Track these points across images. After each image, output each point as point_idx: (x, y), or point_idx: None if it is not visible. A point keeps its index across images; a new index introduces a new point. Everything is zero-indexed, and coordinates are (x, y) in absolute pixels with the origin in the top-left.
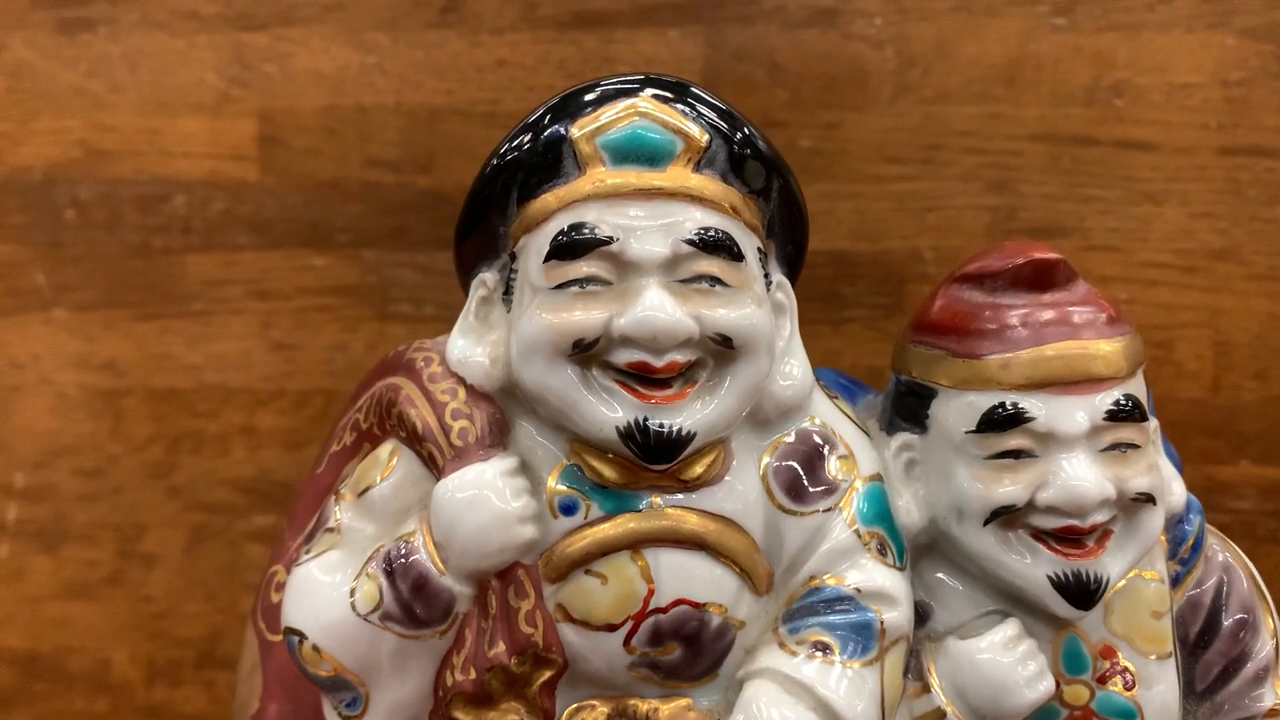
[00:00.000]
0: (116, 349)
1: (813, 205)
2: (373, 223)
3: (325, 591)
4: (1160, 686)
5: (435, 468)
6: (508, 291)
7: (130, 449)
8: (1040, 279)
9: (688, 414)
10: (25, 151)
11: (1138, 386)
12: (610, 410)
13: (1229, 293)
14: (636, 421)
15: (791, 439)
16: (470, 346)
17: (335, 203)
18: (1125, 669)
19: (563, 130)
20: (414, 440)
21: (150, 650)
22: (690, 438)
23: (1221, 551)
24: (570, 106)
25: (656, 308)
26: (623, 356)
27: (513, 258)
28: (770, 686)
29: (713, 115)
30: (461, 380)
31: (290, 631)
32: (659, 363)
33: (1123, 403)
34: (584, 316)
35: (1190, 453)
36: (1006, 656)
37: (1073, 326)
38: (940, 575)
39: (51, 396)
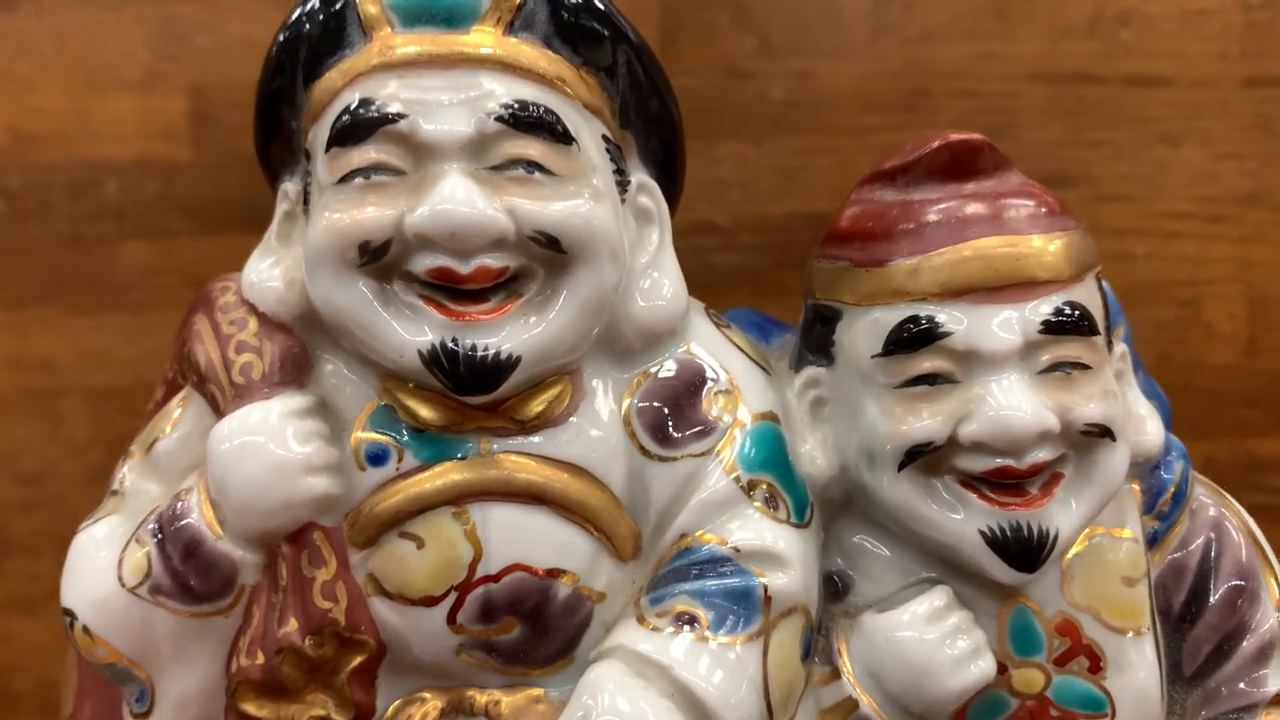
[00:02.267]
0: (52, 347)
1: (788, 161)
2: None
3: (96, 563)
4: (1135, 669)
5: (218, 411)
6: (306, 201)
7: (70, 453)
8: (960, 166)
9: (509, 333)
10: None
11: (1087, 295)
12: (413, 331)
13: (1262, 242)
14: (443, 343)
15: (660, 371)
16: (267, 270)
17: None
18: (1089, 648)
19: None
20: (201, 381)
21: None
22: (512, 363)
23: (1212, 504)
24: None
25: (454, 199)
26: (423, 263)
27: (307, 157)
28: (618, 669)
29: None
30: (254, 309)
31: (65, 612)
32: (465, 269)
33: (1065, 311)
34: (373, 213)
35: (1226, 426)
36: (931, 632)
37: (1000, 221)
38: (860, 538)
39: None
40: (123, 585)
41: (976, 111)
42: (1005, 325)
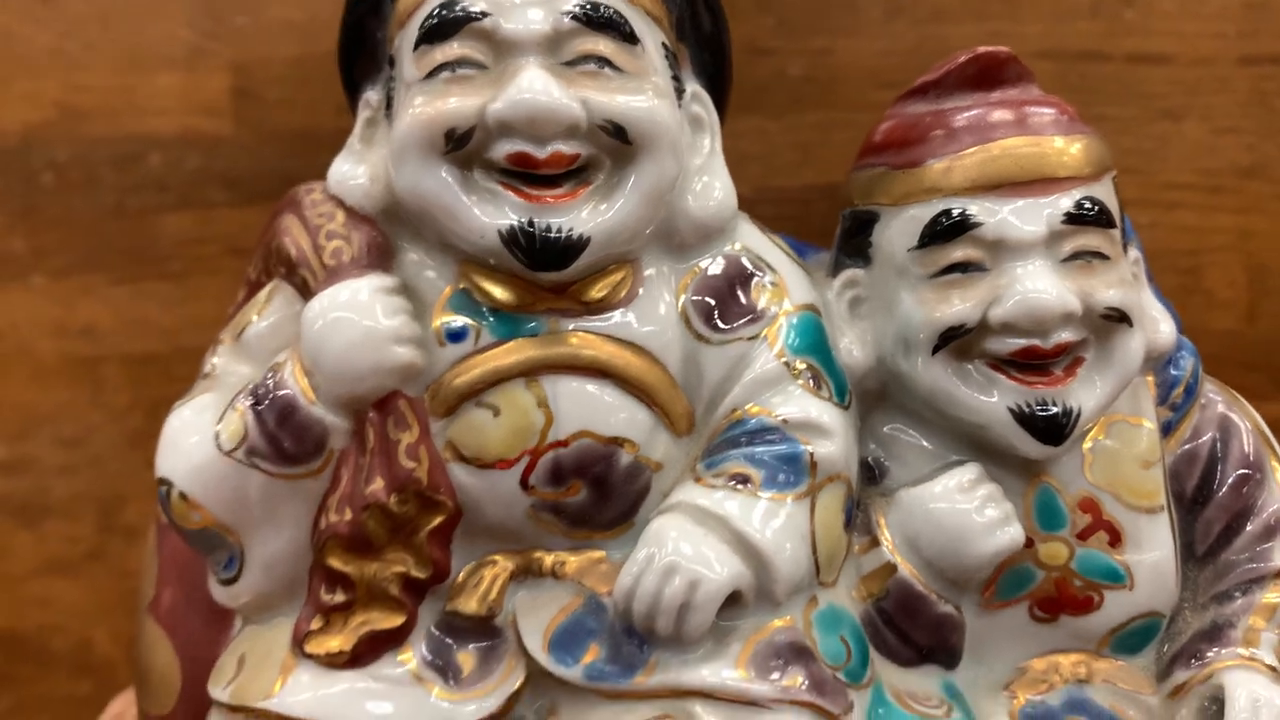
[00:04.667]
0: (93, 314)
1: (806, 136)
2: None
3: (193, 433)
4: (1152, 545)
5: (309, 294)
6: (390, 106)
7: (110, 417)
8: (987, 76)
9: (580, 216)
10: (1, 116)
11: (1105, 192)
12: (493, 214)
13: (1260, 213)
14: (521, 224)
15: (712, 264)
16: (351, 169)
17: (310, 154)
18: (1109, 524)
19: None
20: (290, 271)
21: (131, 628)
22: (583, 242)
23: (1221, 401)
24: None
25: (535, 89)
26: (502, 149)
27: (391, 64)
28: (681, 519)
29: None
30: (340, 203)
31: (160, 482)
32: (541, 154)
33: (1085, 205)
34: (457, 104)
35: None
36: (963, 501)
37: (1025, 124)
38: (893, 427)
39: (30, 365)
40: (220, 450)
41: None
42: (1031, 216)
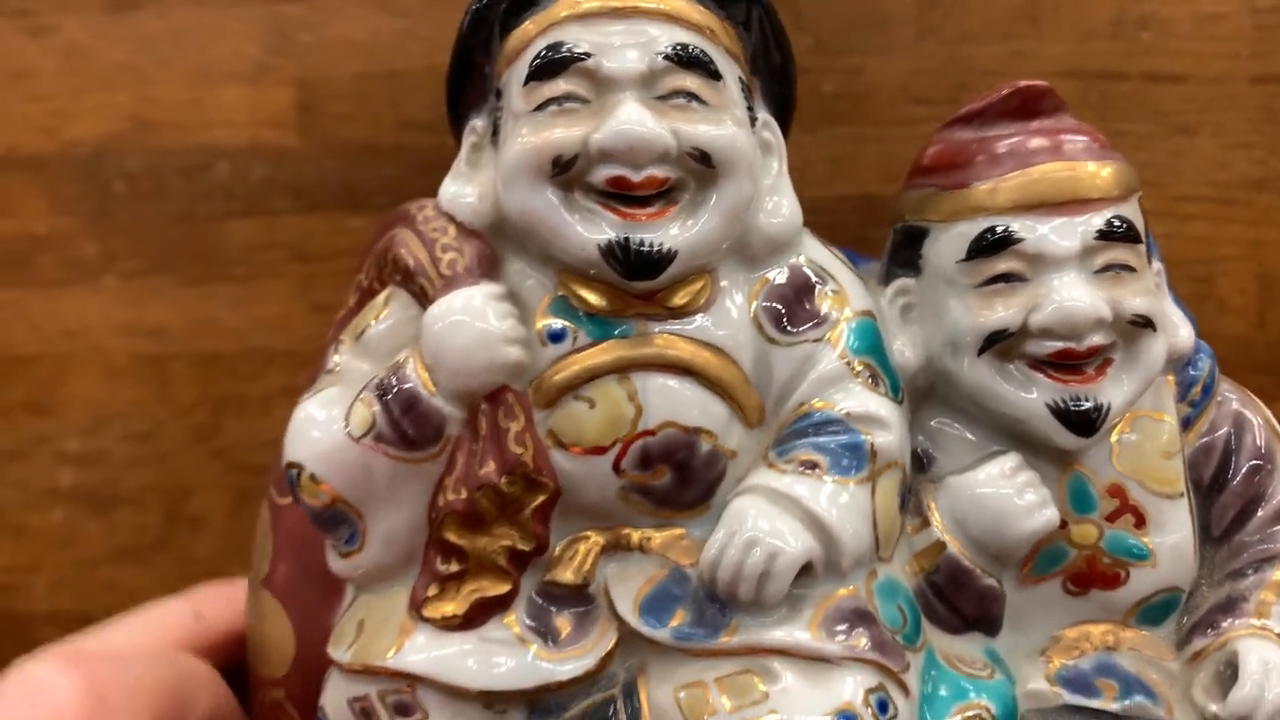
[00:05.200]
0: (163, 315)
1: (838, 150)
2: (407, 184)
3: (322, 423)
4: (1173, 528)
5: (426, 300)
6: (495, 133)
7: (176, 413)
8: (1027, 108)
9: (670, 232)
10: (77, 127)
11: (1132, 211)
12: (592, 229)
13: (1270, 224)
14: (618, 239)
15: (780, 275)
16: (460, 188)
17: (370, 165)
18: (1135, 508)
19: None
20: (407, 279)
21: None
22: (672, 255)
23: (1235, 399)
24: None
25: (633, 120)
26: (602, 174)
27: (498, 95)
28: (757, 499)
29: None
30: (452, 219)
31: (290, 466)
32: (637, 177)
33: (1115, 223)
34: (563, 134)
35: None
36: (1006, 485)
37: (1060, 151)
38: (939, 421)
39: (102, 364)
40: (349, 437)
41: None
42: (1067, 233)
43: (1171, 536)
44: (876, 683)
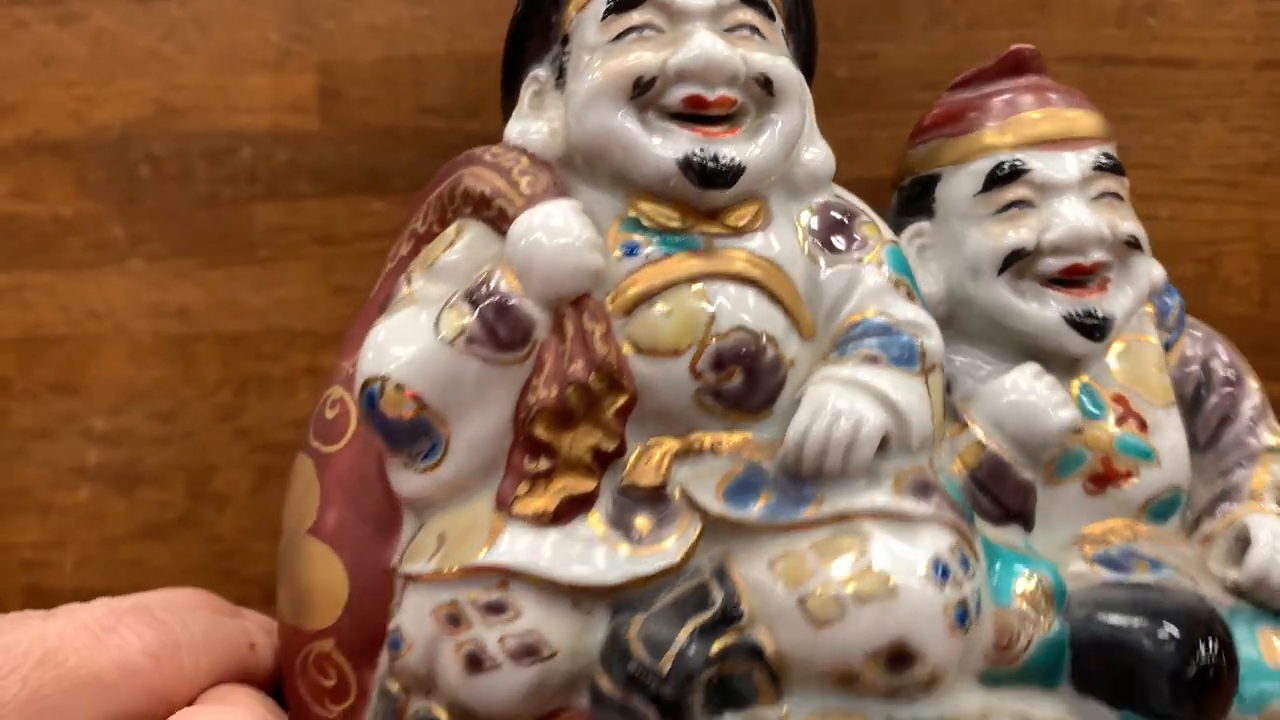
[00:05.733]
0: (188, 296)
1: (851, 134)
2: (427, 167)
3: (407, 331)
4: (1169, 431)
5: (505, 220)
6: (560, 77)
7: (201, 392)
8: (1018, 67)
9: (738, 149)
10: (104, 112)
11: (1113, 150)
12: (669, 146)
13: (1274, 206)
14: (693, 152)
15: (822, 206)
16: (528, 125)
17: (391, 150)
18: (1137, 415)
19: None
20: (482, 205)
21: (220, 589)
22: (741, 169)
23: (1202, 332)
24: None
25: (708, 44)
26: (678, 93)
27: (565, 41)
28: (832, 384)
29: None
30: (523, 151)
31: (370, 382)
32: (712, 96)
33: (1106, 156)
34: (643, 56)
35: None
36: (1033, 387)
37: (1051, 99)
38: (957, 347)
39: (128, 344)
40: (442, 341)
41: None
42: (1069, 165)
43: (1169, 439)
44: (956, 541)
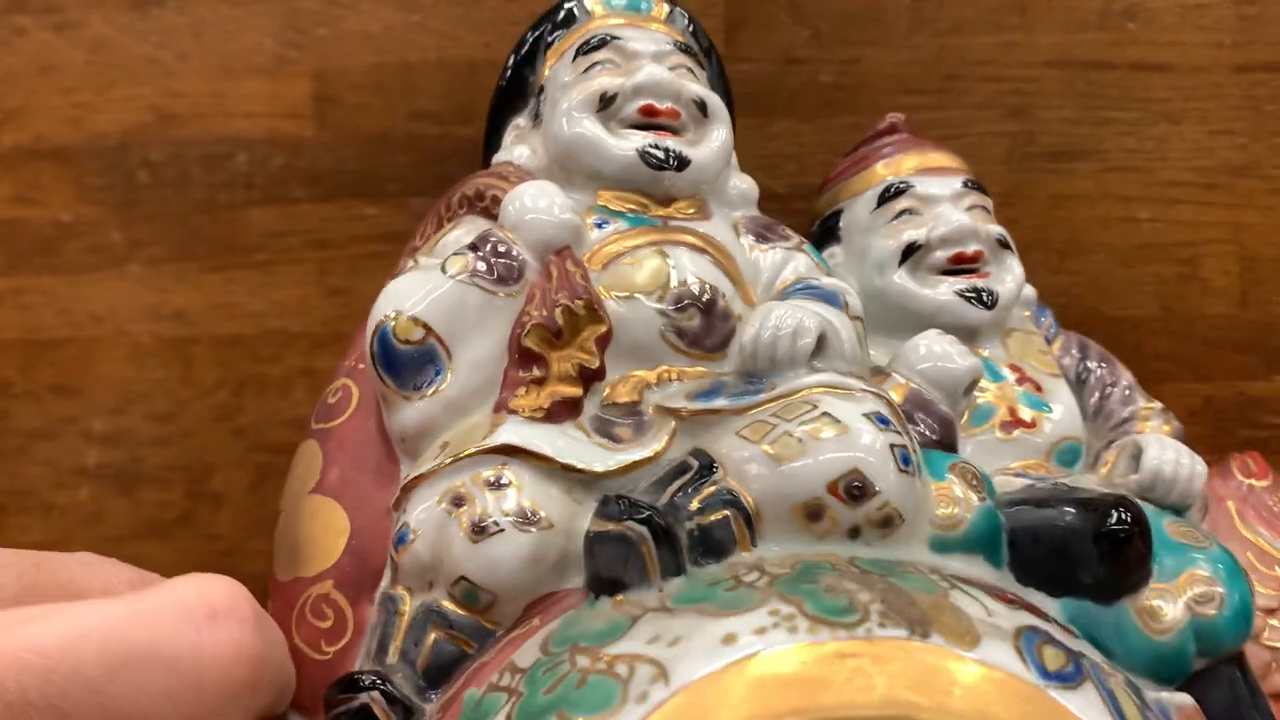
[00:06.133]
0: (185, 299)
1: (836, 138)
2: (420, 172)
3: (415, 280)
4: (1061, 394)
5: (497, 205)
6: (536, 119)
7: (199, 393)
8: (894, 130)
9: (683, 147)
10: (102, 119)
11: (975, 179)
12: (629, 143)
13: (1252, 208)
14: (648, 146)
15: (750, 216)
16: (512, 151)
17: (384, 154)
18: (1031, 379)
19: (574, 3)
20: (475, 199)
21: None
22: (687, 160)
23: (1075, 336)
24: None
25: (659, 70)
26: (635, 105)
27: (540, 91)
28: (769, 305)
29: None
30: (509, 163)
31: (382, 322)
32: (662, 105)
33: (971, 180)
34: (607, 80)
35: (1222, 369)
36: (940, 339)
37: (922, 144)
38: (874, 341)
39: (127, 346)
40: (447, 275)
41: (1000, 94)
42: (944, 185)
43: (1062, 400)
44: (891, 410)
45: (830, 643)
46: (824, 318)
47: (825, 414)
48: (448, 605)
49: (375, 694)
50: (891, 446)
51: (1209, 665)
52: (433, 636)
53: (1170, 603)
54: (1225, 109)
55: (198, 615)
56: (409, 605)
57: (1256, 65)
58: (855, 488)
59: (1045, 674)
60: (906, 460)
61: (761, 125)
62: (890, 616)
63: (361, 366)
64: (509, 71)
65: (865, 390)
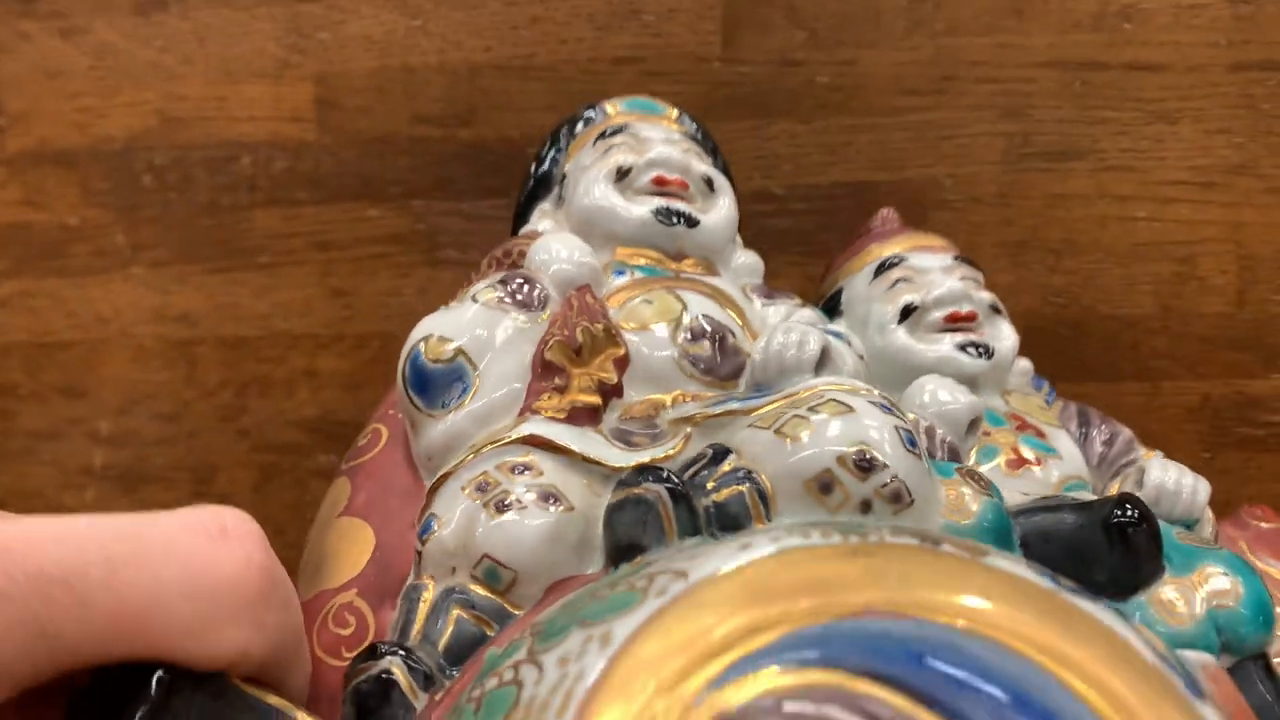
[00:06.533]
0: (190, 301)
1: (833, 139)
2: (421, 174)
3: (446, 309)
4: (1064, 442)
5: (522, 258)
6: (559, 200)
7: (203, 394)
8: (886, 222)
9: (693, 209)
10: (107, 123)
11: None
12: (644, 206)
13: (1249, 206)
14: (662, 207)
15: (756, 283)
16: (538, 223)
17: (386, 157)
18: (1033, 426)
19: (594, 107)
20: (503, 257)
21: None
22: (697, 220)
23: (1075, 403)
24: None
25: (670, 148)
26: (648, 176)
27: (563, 178)
28: (783, 322)
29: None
30: (535, 231)
31: (414, 347)
32: (672, 176)
33: (960, 256)
34: (622, 156)
35: (1219, 367)
36: (941, 382)
37: (910, 230)
38: None
39: (132, 348)
40: (477, 303)
41: (996, 95)
42: (934, 259)
43: (1065, 444)
44: (895, 409)
45: (844, 545)
46: (827, 336)
47: (833, 400)
48: (471, 586)
49: (396, 659)
50: (897, 428)
51: (1234, 665)
52: (455, 613)
53: (1187, 595)
54: (1221, 108)
55: (210, 528)
56: (432, 592)
57: (1252, 64)
58: (864, 460)
59: (1059, 584)
60: (912, 442)
61: (759, 126)
62: (901, 533)
63: (393, 413)
64: (537, 171)
65: (870, 389)
